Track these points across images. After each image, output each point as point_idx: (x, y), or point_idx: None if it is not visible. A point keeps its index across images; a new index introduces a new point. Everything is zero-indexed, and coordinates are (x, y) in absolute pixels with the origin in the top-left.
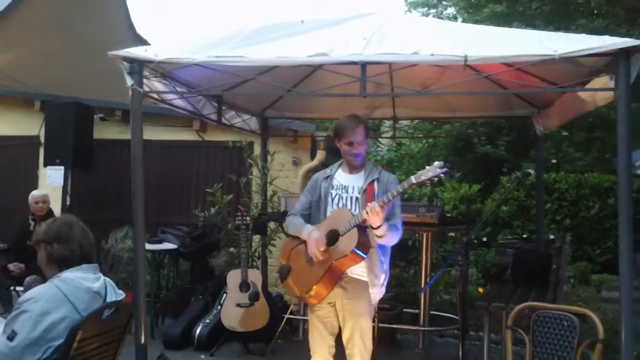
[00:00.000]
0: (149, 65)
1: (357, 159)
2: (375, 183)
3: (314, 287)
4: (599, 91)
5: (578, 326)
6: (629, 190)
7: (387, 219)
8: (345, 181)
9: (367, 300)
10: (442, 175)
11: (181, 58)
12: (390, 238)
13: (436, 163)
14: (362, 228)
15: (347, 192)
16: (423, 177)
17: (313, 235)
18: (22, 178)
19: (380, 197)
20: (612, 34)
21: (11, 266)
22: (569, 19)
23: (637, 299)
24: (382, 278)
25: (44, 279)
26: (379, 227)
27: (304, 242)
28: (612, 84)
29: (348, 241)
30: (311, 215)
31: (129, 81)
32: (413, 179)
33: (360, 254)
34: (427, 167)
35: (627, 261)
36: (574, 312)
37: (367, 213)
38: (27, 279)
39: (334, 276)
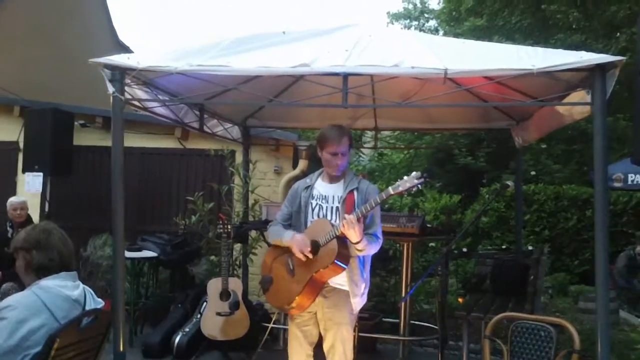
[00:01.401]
0: (131, 73)
1: (339, 170)
2: (355, 192)
3: (296, 298)
4: (576, 105)
5: (555, 337)
6: (605, 203)
7: (367, 227)
8: (325, 191)
9: (348, 309)
10: (419, 185)
11: (163, 66)
12: (370, 249)
13: (413, 174)
14: (342, 239)
15: (327, 202)
16: (401, 188)
17: (296, 237)
18: (0, 184)
19: (360, 207)
20: (590, 48)
21: None
22: (548, 33)
23: (613, 310)
24: (363, 287)
25: (20, 287)
26: (357, 242)
27: (285, 252)
28: (588, 99)
29: (328, 253)
30: (292, 225)
31: (111, 88)
32: (391, 189)
33: (341, 265)
34: (405, 178)
35: (603, 273)
36: (552, 322)
37: (344, 226)
38: (4, 286)
39: (316, 287)
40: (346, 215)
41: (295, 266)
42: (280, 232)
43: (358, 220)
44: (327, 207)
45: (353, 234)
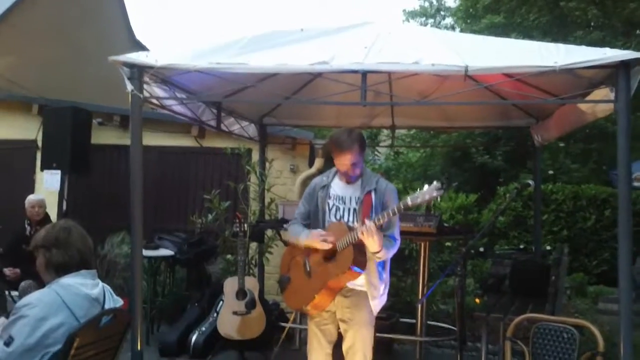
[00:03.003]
0: (149, 71)
1: (351, 178)
2: (373, 194)
3: (313, 301)
4: (599, 103)
5: (578, 338)
6: (628, 203)
7: (384, 229)
8: (342, 192)
9: (367, 309)
10: (438, 197)
11: (182, 64)
12: (388, 254)
13: (434, 185)
14: (359, 245)
15: (344, 203)
16: (419, 200)
17: (315, 233)
18: (19, 182)
19: (378, 211)
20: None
21: (6, 270)
22: (566, 31)
23: (635, 312)
24: (382, 288)
25: (39, 284)
26: (377, 252)
27: (303, 253)
28: (612, 96)
29: (345, 258)
30: (311, 223)
31: (129, 86)
32: (409, 200)
33: (358, 270)
34: (425, 188)
35: (627, 274)
36: (574, 324)
37: (363, 233)
38: (22, 283)
39: (333, 290)
40: (366, 222)
41: (312, 269)
42: (297, 231)
43: (377, 228)
44: (344, 208)
45: (372, 243)
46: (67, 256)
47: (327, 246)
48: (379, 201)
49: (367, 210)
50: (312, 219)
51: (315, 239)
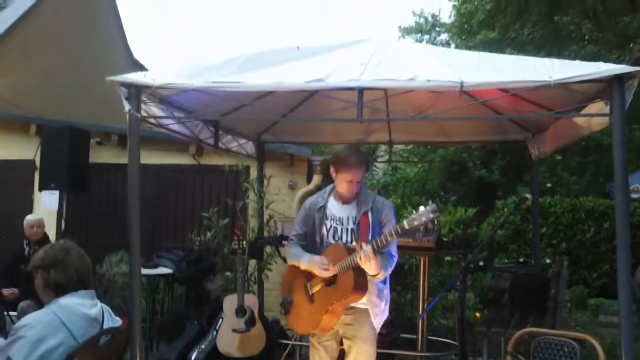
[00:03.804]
0: (147, 91)
1: (352, 195)
2: (369, 213)
3: (319, 325)
4: (594, 117)
5: (579, 352)
6: (625, 216)
7: (381, 247)
8: (339, 212)
9: (370, 325)
10: (435, 219)
11: (179, 83)
12: (387, 273)
13: (429, 207)
14: (358, 268)
15: (342, 224)
16: (416, 222)
17: (315, 260)
18: (17, 202)
19: (375, 230)
20: (603, 59)
21: (5, 291)
22: (561, 45)
23: (635, 324)
24: (383, 305)
25: (38, 304)
26: (375, 275)
27: (304, 276)
28: (607, 110)
29: (346, 283)
30: (308, 244)
31: (127, 106)
32: (406, 224)
33: (359, 292)
34: (421, 210)
35: (626, 286)
36: (575, 337)
37: (361, 259)
38: (21, 304)
39: (336, 313)
40: (363, 247)
41: (314, 293)
42: (298, 253)
43: (374, 252)
44: (341, 229)
45: (370, 267)
46: (65, 276)
47: (327, 274)
48: (376, 220)
49: (365, 230)
50: (309, 240)
51: (316, 267)
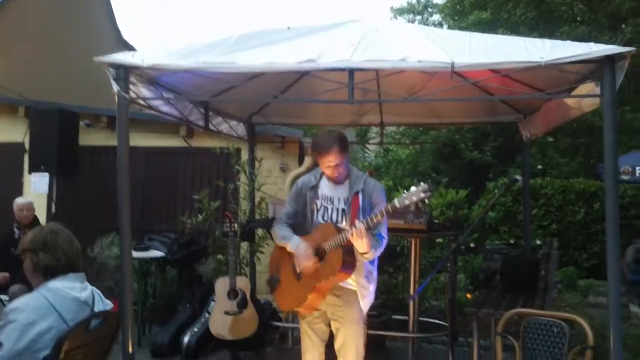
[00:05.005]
0: (135, 71)
1: (337, 178)
2: (360, 194)
3: (304, 303)
4: (585, 98)
5: (568, 332)
6: (615, 197)
7: (372, 228)
8: (331, 192)
9: (358, 307)
10: (426, 199)
11: (169, 64)
12: (376, 253)
13: (420, 186)
14: (348, 246)
15: (332, 203)
16: (407, 201)
17: (300, 249)
18: (7, 185)
19: (366, 211)
20: (595, 41)
21: None
22: (553, 26)
23: (623, 305)
24: (371, 288)
25: (29, 288)
26: (365, 253)
27: (291, 255)
28: (597, 91)
29: (334, 260)
30: (297, 223)
31: (115, 87)
32: (397, 202)
33: (347, 272)
34: (412, 190)
35: (615, 267)
36: (564, 318)
37: (352, 235)
38: (12, 288)
39: (323, 291)
40: (356, 223)
41: (302, 271)
42: (285, 235)
43: (366, 230)
44: (332, 208)
45: (361, 245)
46: (54, 259)
47: (308, 265)
48: (367, 201)
49: (355, 211)
50: (300, 219)
51: (300, 261)
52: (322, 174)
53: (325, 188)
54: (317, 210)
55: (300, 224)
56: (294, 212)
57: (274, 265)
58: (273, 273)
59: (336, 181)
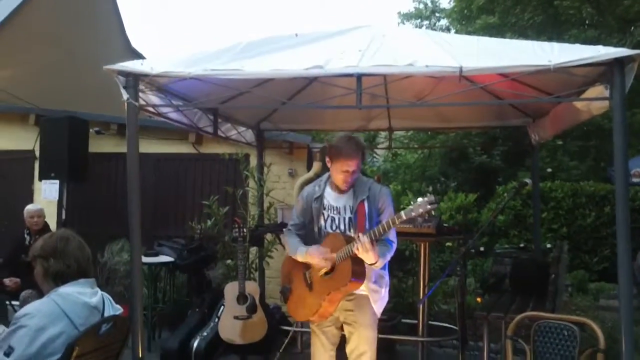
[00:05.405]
0: (145, 79)
1: (348, 185)
2: (365, 202)
3: (317, 312)
4: (594, 101)
5: (579, 336)
6: (626, 200)
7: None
8: (336, 202)
9: (371, 311)
10: (432, 211)
11: (177, 71)
12: (385, 260)
13: (427, 198)
14: (356, 257)
15: (339, 213)
16: (413, 213)
17: (312, 249)
18: (17, 192)
19: (372, 218)
20: (604, 44)
21: (6, 280)
22: (561, 30)
23: (635, 307)
24: (383, 291)
25: (39, 294)
26: (373, 263)
27: (303, 264)
28: (607, 94)
29: (344, 272)
30: (306, 234)
31: (125, 95)
32: (403, 215)
33: (358, 280)
34: (418, 201)
35: (626, 270)
36: (574, 321)
37: (358, 249)
38: (23, 293)
39: (334, 301)
40: (360, 237)
41: (313, 282)
42: (295, 246)
43: (372, 242)
44: (339, 218)
45: (368, 257)
46: (65, 265)
47: (325, 265)
48: (374, 207)
49: (362, 219)
50: (307, 230)
51: (314, 258)
52: (326, 183)
53: (331, 198)
54: (325, 221)
55: (308, 235)
56: (301, 224)
57: (285, 276)
58: (285, 283)
59: (341, 190)
